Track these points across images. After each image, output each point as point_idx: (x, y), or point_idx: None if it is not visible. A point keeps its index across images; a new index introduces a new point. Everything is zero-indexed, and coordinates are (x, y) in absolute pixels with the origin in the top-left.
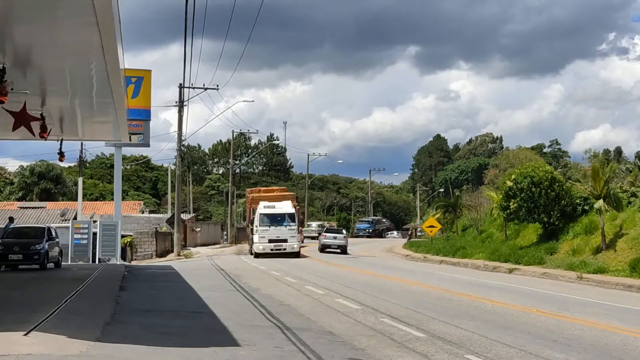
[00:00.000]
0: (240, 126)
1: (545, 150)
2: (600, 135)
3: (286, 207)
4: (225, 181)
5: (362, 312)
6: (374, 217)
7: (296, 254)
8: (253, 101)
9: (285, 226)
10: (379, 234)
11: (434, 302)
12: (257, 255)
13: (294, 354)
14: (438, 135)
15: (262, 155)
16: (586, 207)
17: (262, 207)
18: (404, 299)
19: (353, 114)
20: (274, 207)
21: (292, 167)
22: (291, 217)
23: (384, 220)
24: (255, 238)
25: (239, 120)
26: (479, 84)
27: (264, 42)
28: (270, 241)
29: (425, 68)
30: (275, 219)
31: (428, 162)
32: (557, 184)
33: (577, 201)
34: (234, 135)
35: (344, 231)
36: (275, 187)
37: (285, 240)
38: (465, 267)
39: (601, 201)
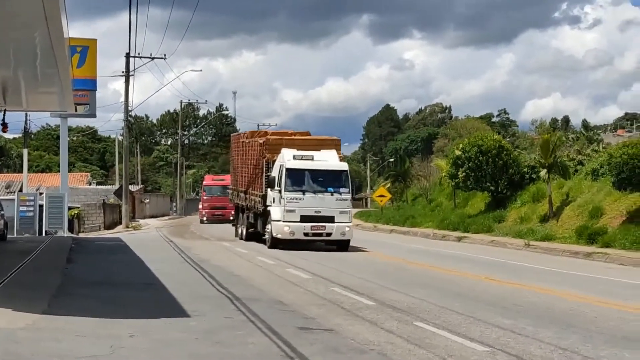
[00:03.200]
0: (191, 97)
1: (493, 119)
2: (550, 104)
3: (331, 159)
4: (174, 152)
5: (313, 282)
6: None
7: (345, 245)
8: (201, 70)
9: (332, 194)
10: None
11: (384, 270)
12: (276, 244)
13: (244, 323)
14: (387, 105)
15: (211, 126)
16: (534, 176)
17: (291, 158)
18: (354, 268)
19: (306, 84)
20: (311, 158)
21: None
22: (341, 177)
23: None
24: (276, 213)
25: (189, 91)
26: (432, 54)
27: (216, 10)
28: (304, 219)
29: (379, 37)
30: (315, 180)
31: (378, 132)
32: (504, 152)
33: (525, 170)
34: (182, 106)
35: None
36: (291, 130)
37: (330, 219)
38: (415, 235)
39: (545, 170)
